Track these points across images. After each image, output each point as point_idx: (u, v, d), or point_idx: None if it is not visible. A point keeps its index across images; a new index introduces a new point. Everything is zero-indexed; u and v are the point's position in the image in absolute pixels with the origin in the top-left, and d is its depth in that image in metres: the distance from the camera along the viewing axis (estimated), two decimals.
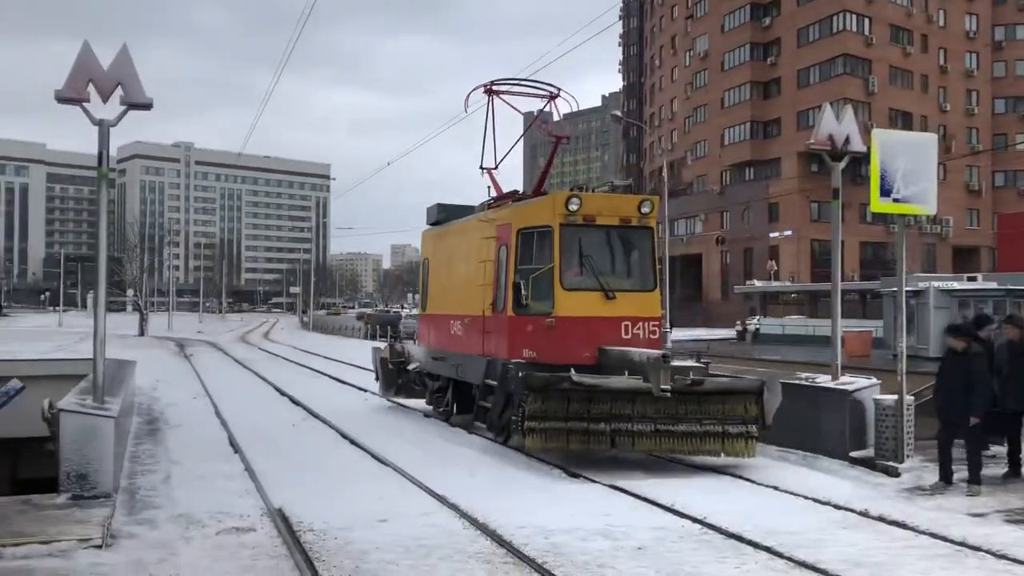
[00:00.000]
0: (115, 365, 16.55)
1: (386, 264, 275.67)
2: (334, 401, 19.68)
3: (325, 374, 27.13)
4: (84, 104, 10.22)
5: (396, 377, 18.51)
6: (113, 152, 11.46)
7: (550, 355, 12.53)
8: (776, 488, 10.55)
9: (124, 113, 10.41)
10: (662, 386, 11.32)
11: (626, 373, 11.92)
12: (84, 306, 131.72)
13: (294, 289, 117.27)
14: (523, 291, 12.80)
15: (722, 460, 11.67)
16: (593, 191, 13.42)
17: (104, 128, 10.39)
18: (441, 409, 16.33)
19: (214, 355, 38.15)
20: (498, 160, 15.62)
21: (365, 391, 21.38)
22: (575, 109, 15.55)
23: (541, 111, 15.24)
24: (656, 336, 13.03)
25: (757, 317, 51.08)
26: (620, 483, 10.63)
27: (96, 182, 10.50)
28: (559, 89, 15.27)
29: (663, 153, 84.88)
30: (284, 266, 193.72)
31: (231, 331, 70.31)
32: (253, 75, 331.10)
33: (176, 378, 25.70)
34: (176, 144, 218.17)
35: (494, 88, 15.18)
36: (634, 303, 13.07)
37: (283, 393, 21.54)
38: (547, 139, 15.09)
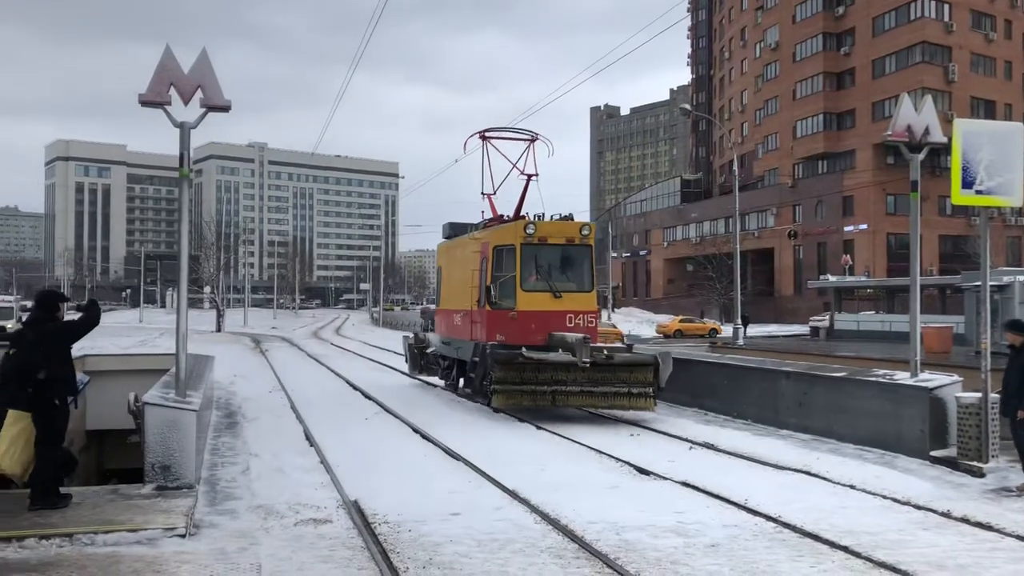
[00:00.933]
0: (194, 360, 16.47)
1: None
2: (403, 395, 19.88)
3: (394, 368, 27.12)
4: (166, 107, 10.41)
5: (420, 359, 23.01)
6: (191, 153, 11.15)
7: (515, 338, 17.06)
8: (853, 487, 10.36)
9: (204, 115, 10.57)
10: (583, 359, 15.77)
11: (559, 351, 16.59)
12: (163, 303, 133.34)
13: (364, 286, 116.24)
14: (492, 292, 17.35)
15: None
16: (551, 218, 18.05)
17: (185, 130, 10.51)
18: (449, 383, 21.01)
19: (288, 350, 38.48)
20: (496, 187, 20.03)
21: (436, 386, 21.90)
22: (551, 153, 20.57)
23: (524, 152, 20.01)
24: (592, 324, 17.46)
25: (830, 313, 50.02)
26: (692, 480, 10.54)
27: (177, 182, 10.86)
28: (537, 135, 19.74)
29: (733, 146, 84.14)
30: (354, 263, 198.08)
31: (304, 327, 70.72)
32: (324, 75, 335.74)
33: (252, 372, 25.84)
34: (250, 144, 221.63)
35: (486, 135, 19.74)
36: (575, 300, 17.51)
37: (355, 387, 21.66)
38: (520, 177, 19.73)
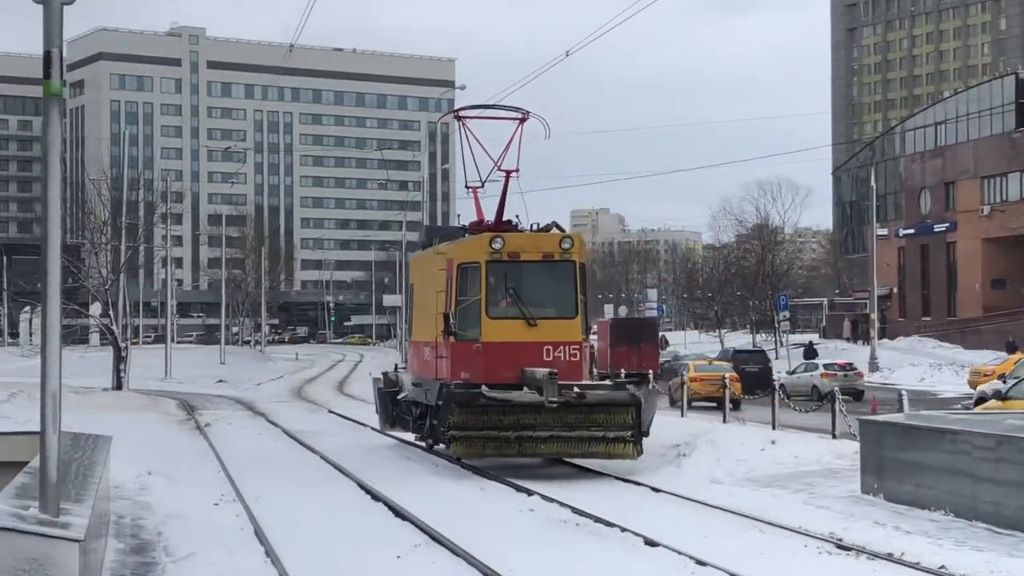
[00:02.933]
0: (75, 445, 11.58)
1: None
2: (469, 513, 12.00)
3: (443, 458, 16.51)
4: None
5: (392, 408, 18.94)
6: (65, 51, 6.72)
7: (481, 375, 14.78)
8: None
9: None
10: (550, 398, 14.04)
11: (524, 388, 14.65)
12: (14, 335, 77.88)
13: (391, 299, 70.90)
14: (451, 320, 15.05)
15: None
16: (524, 229, 15.66)
17: (52, 6, 6.80)
18: (420, 436, 17.46)
19: (248, 424, 25.25)
20: (484, 178, 16.65)
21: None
22: (547, 134, 16.29)
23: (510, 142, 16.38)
24: (576, 358, 15.01)
25: None
26: None
27: (40, 107, 6.91)
28: (527, 112, 16.50)
29: None
30: (372, 255, 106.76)
31: (277, 378, 46.59)
32: None
33: (182, 467, 16.01)
34: (173, 31, 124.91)
35: (461, 114, 17.15)
36: (555, 329, 15.15)
37: (375, 496, 13.11)
38: (498, 173, 16.44)
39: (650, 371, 31.74)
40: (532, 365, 14.72)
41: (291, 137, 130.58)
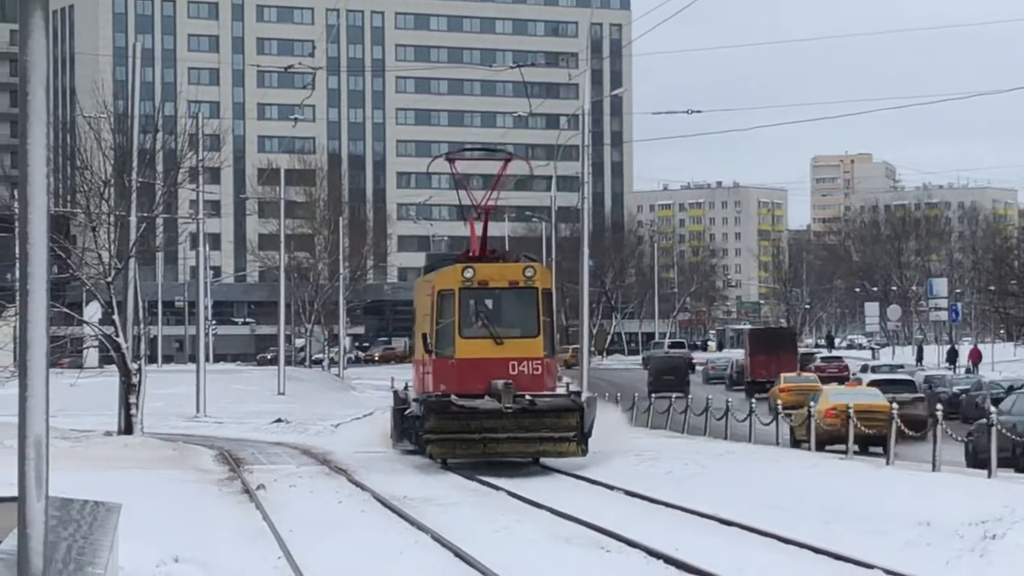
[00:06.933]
0: (67, 515, 11.60)
1: (798, 216, 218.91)
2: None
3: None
4: None
5: (402, 423, 27.13)
6: None
7: (456, 388, 23.82)
8: None
9: None
10: (507, 405, 23.16)
11: (486, 397, 23.40)
12: None
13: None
14: (428, 339, 24.43)
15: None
16: (504, 258, 25.43)
17: None
18: (417, 447, 25.57)
19: (321, 486, 24.64)
20: (487, 205, 25.84)
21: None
22: (531, 172, 23.97)
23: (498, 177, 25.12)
24: (538, 372, 24.27)
25: None
26: None
27: (16, 16, 7.18)
28: (511, 154, 26.72)
29: None
30: (505, 228, 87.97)
31: (363, 415, 44.82)
32: None
33: (224, 551, 16.01)
34: None
35: (452, 156, 28.21)
36: (519, 347, 24.26)
37: None
38: (479, 210, 25.25)
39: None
40: (499, 378, 23.38)
41: (382, 50, 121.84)
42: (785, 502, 19.52)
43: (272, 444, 36.75)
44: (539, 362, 24.04)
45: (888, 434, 25.16)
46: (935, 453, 23.31)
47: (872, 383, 40.81)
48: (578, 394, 25.53)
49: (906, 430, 25.05)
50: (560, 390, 25.57)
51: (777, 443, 31.84)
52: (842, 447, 28.06)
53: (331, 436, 39.95)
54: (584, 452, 23.68)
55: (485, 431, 23.17)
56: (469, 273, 24.04)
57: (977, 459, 26.27)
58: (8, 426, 26.87)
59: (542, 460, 24.72)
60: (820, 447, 27.98)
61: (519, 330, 24.50)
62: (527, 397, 22.95)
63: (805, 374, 46.97)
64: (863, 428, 27.90)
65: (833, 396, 32.33)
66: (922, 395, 40.21)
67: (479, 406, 23.00)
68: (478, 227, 26.28)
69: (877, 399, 31.58)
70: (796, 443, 31.28)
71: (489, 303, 24.60)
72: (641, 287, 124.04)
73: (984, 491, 19.70)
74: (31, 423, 7.62)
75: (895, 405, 26.47)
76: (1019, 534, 15.17)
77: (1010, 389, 41.04)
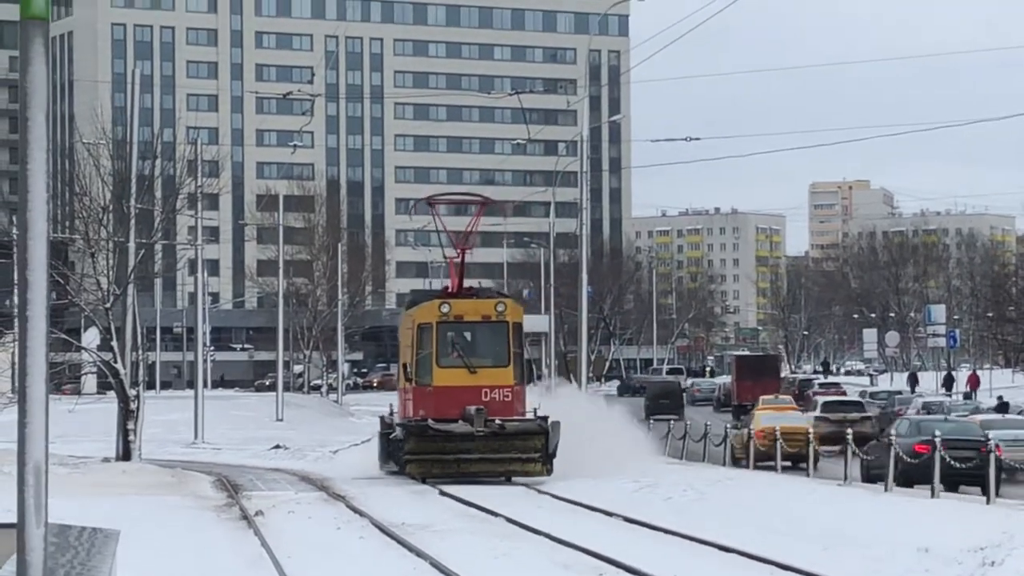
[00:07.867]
0: (64, 542, 10.33)
1: (796, 243, 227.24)
2: None
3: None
4: None
5: (388, 447, 29.28)
6: None
7: (434, 413, 26.71)
8: None
9: None
10: (478, 428, 25.93)
11: (460, 422, 26.22)
12: None
13: (533, 322, 62.49)
14: (408, 369, 27.48)
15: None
16: (479, 295, 28.59)
17: None
18: (400, 468, 28.06)
19: (320, 513, 24.91)
20: (463, 247, 28.87)
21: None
22: (507, 214, 38.32)
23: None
24: (508, 399, 27.22)
25: None
26: None
27: (18, 35, 6.99)
28: (487, 199, 30.01)
29: None
30: (503, 254, 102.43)
31: (361, 441, 44.05)
32: None
33: (220, 575, 16.10)
34: None
35: (433, 200, 31.43)
36: (491, 376, 27.26)
37: None
38: (455, 255, 27.81)
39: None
40: (472, 404, 26.02)
41: (380, 76, 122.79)
42: (784, 527, 19.63)
43: (270, 470, 37.01)
44: (509, 389, 26.85)
45: (807, 452, 29.41)
46: (846, 469, 27.29)
47: (826, 404, 45.67)
48: (545, 419, 27.33)
49: (823, 448, 30.67)
50: (528, 415, 27.43)
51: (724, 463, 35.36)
52: (771, 463, 31.92)
53: (329, 462, 40.27)
54: (549, 472, 25.98)
55: (459, 452, 25.78)
56: (446, 308, 26.94)
57: (870, 474, 28.82)
58: (7, 453, 27.33)
59: (544, 486, 26.05)
60: (755, 465, 31.62)
61: (491, 360, 27.25)
62: (497, 421, 25.68)
63: (782, 396, 50.02)
64: (786, 447, 31.44)
65: (765, 420, 35.39)
66: (870, 414, 45.33)
67: (453, 430, 25.62)
68: (457, 267, 28.94)
69: (799, 422, 35.74)
70: (735, 461, 34.56)
71: (465, 335, 27.41)
72: (639, 313, 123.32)
73: (982, 517, 19.73)
74: (30, 450, 7.63)
75: (848, 423, 31.90)
76: (1018, 560, 15.18)
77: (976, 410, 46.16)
